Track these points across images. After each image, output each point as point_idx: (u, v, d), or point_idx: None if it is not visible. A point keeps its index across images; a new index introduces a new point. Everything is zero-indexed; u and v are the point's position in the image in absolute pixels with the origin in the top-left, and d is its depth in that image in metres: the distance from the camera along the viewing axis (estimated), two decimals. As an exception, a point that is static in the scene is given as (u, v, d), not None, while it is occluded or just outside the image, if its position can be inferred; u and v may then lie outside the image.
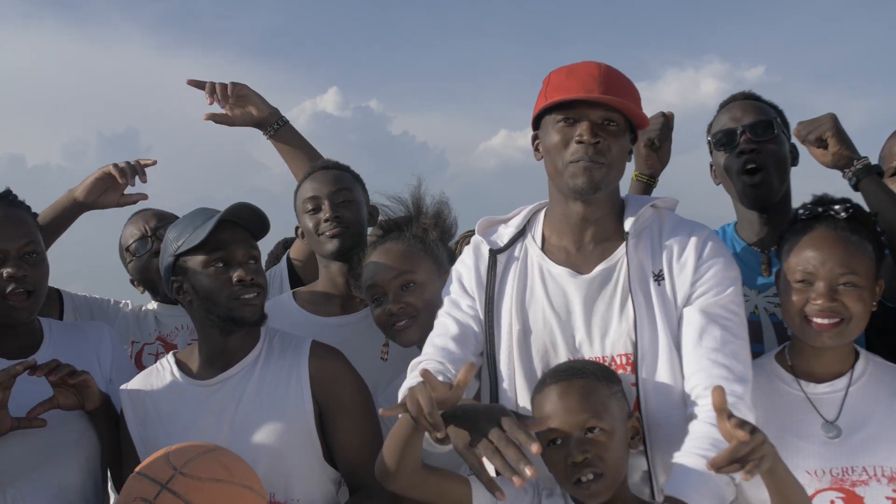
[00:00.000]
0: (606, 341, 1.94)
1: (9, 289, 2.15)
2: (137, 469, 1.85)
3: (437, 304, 2.13)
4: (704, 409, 1.78)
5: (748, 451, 1.53)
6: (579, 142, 1.89)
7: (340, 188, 2.64)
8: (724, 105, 2.56)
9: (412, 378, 1.89)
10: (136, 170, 2.66)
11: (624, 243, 1.97)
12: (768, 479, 1.64)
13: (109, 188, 2.68)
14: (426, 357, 1.97)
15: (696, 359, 1.86)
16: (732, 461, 1.54)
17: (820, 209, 2.00)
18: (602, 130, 1.91)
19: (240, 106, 2.90)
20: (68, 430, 2.18)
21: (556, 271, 2.00)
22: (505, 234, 2.10)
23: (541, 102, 1.98)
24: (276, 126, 2.91)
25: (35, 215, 2.36)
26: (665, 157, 2.71)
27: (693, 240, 1.97)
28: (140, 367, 2.59)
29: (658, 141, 2.65)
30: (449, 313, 2.06)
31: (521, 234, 2.09)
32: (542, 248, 2.04)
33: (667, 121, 2.67)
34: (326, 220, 2.59)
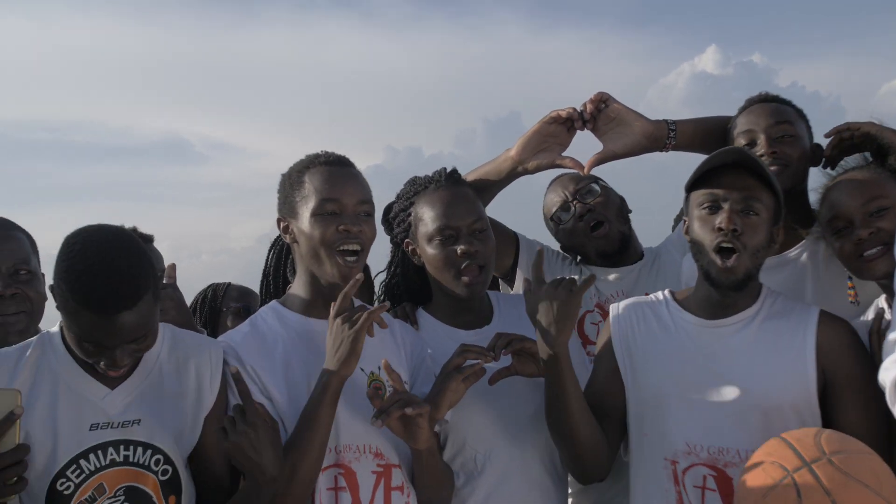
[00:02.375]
0: None
1: (464, 265, 2.24)
2: (784, 435, 1.78)
3: None
4: None
5: None
6: None
7: (780, 121, 2.38)
8: None
9: None
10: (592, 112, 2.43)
11: None
12: None
13: (547, 146, 2.49)
14: None
15: None
16: None
17: None
18: None
19: (617, 131, 2.45)
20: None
21: None
22: None
23: None
24: (670, 139, 2.49)
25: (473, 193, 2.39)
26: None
27: None
28: (582, 336, 2.66)
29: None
30: None
31: None
32: None
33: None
34: (762, 156, 2.32)
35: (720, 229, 1.93)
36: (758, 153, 2.32)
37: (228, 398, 1.97)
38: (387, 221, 2.53)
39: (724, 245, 1.93)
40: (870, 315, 2.12)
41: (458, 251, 2.24)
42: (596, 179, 2.83)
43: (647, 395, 2.07)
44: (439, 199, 2.30)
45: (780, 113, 2.40)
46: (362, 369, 2.05)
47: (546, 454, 2.26)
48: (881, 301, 2.13)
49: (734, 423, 1.94)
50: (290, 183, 2.09)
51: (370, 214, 2.08)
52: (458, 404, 2.11)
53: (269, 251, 2.46)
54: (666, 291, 2.20)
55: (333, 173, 2.04)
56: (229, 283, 3.39)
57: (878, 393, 1.86)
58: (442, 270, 2.28)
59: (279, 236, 2.29)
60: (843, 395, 1.94)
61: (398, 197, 2.47)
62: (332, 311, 1.95)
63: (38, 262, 2.34)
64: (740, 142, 2.39)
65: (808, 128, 2.47)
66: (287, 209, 2.09)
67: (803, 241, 2.41)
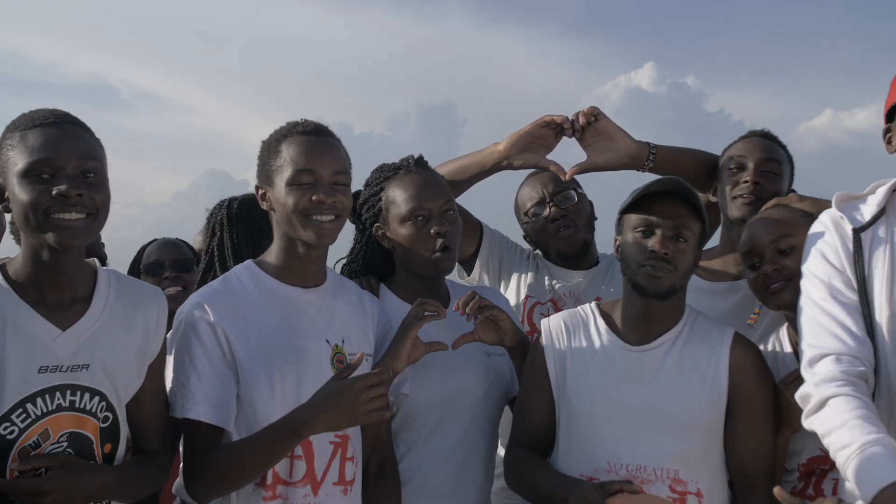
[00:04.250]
0: None
1: (437, 244, 2.29)
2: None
3: None
4: None
5: None
6: None
7: (771, 158, 2.55)
8: None
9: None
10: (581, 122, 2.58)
11: None
12: None
13: (534, 146, 2.64)
14: (839, 368, 1.83)
15: None
16: None
17: None
18: None
19: (602, 145, 2.63)
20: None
21: None
22: (866, 211, 1.98)
23: None
24: (649, 161, 2.65)
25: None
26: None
27: None
28: (531, 324, 2.78)
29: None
30: (835, 297, 1.91)
31: (881, 212, 1.96)
32: None
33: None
34: (745, 183, 2.51)
35: (652, 252, 2.06)
36: (742, 180, 2.49)
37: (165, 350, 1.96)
38: (353, 210, 2.54)
39: (655, 266, 2.07)
40: (771, 344, 2.31)
41: (431, 231, 2.29)
42: (575, 186, 2.93)
43: (575, 412, 2.18)
44: (412, 182, 2.35)
45: (773, 151, 2.57)
46: (327, 341, 2.05)
47: (488, 436, 2.38)
48: (782, 331, 2.31)
49: (653, 443, 2.09)
50: (268, 152, 2.06)
51: (346, 185, 2.07)
52: (419, 380, 2.19)
53: (214, 228, 2.47)
54: (593, 304, 2.31)
55: (310, 143, 2.02)
56: (153, 241, 3.18)
57: (771, 413, 2.12)
58: (415, 249, 2.32)
59: (223, 204, 2.38)
60: (739, 410, 2.11)
61: (366, 185, 2.50)
62: (373, 376, 1.84)
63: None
64: (730, 165, 2.55)
65: (792, 174, 2.63)
66: (264, 177, 2.06)
67: None
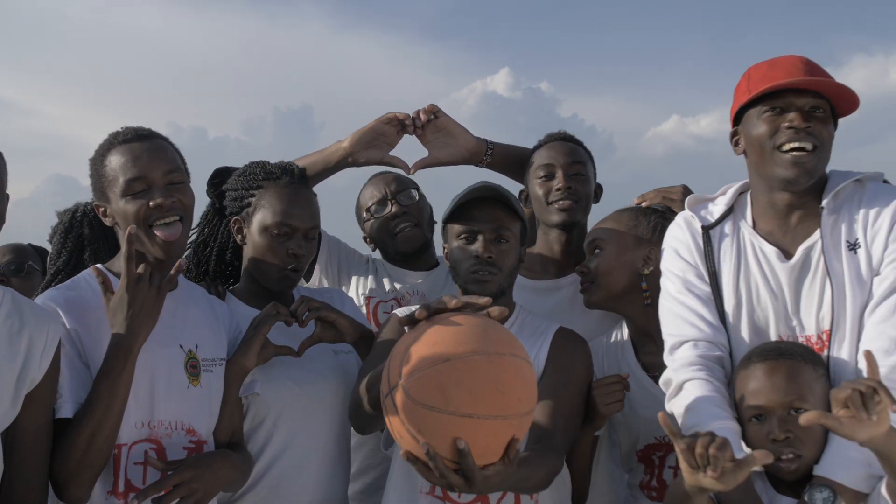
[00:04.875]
0: (811, 320, 1.98)
1: (290, 265, 2.32)
2: (388, 359, 1.74)
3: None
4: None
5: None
6: (790, 128, 1.94)
7: (576, 161, 2.66)
8: None
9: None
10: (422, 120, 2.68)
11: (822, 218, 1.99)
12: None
13: (377, 143, 2.69)
14: (697, 354, 1.99)
15: (867, 329, 1.91)
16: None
17: None
18: (810, 117, 1.95)
19: (442, 141, 2.75)
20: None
21: (768, 250, 2.03)
22: (715, 211, 2.14)
23: (743, 96, 2.02)
24: (487, 156, 2.81)
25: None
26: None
27: (892, 205, 1.96)
28: (376, 322, 2.81)
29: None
30: (689, 290, 2.07)
31: (729, 211, 2.13)
32: (753, 228, 2.08)
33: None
34: (559, 189, 2.62)
35: (477, 256, 2.17)
36: (555, 186, 2.64)
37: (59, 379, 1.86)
38: (215, 185, 2.56)
39: (482, 271, 2.17)
40: (614, 336, 2.51)
41: (289, 250, 2.33)
42: (416, 186, 3.04)
43: None
44: (288, 196, 2.37)
45: (576, 153, 2.71)
46: (181, 346, 2.05)
47: (342, 433, 2.40)
48: (623, 325, 2.52)
49: None
50: (96, 168, 2.04)
51: (183, 182, 2.05)
52: (269, 381, 2.24)
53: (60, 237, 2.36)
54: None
55: (135, 150, 1.99)
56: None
57: (578, 385, 2.19)
58: (266, 259, 2.35)
59: (72, 210, 2.32)
60: (548, 371, 2.16)
61: (241, 173, 2.48)
62: (127, 274, 1.87)
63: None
64: (539, 173, 2.68)
65: (594, 168, 2.80)
66: (99, 194, 2.05)
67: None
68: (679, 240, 2.14)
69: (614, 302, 2.47)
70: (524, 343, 2.08)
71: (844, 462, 1.76)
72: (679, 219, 2.20)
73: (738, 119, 2.08)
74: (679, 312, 2.07)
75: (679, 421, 1.92)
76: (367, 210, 3.02)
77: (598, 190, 2.82)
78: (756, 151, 2.01)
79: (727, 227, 2.10)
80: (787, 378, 1.84)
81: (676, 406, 1.96)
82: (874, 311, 1.90)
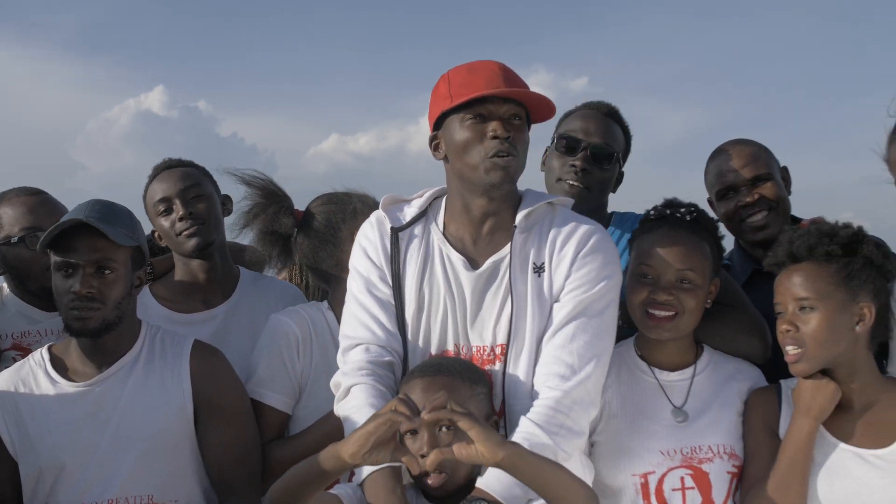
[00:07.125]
0: (487, 332, 1.99)
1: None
2: None
3: None
4: (536, 403, 1.87)
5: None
6: (494, 137, 1.93)
7: (189, 185, 2.59)
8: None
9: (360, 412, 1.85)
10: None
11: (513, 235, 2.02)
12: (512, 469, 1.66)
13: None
14: (366, 358, 1.96)
15: (545, 353, 1.94)
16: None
17: (667, 211, 2.20)
18: (510, 125, 1.96)
19: None
20: None
21: (454, 257, 2.03)
22: (408, 213, 2.11)
23: (444, 102, 1.99)
24: None
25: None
26: None
27: (577, 235, 2.01)
28: None
29: None
30: (370, 291, 2.05)
31: (421, 214, 2.11)
32: (443, 234, 2.07)
33: None
34: (181, 219, 2.55)
35: (74, 293, 2.07)
36: (177, 217, 2.55)
37: None
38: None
39: (80, 307, 2.08)
40: None
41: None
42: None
43: (44, 464, 2.13)
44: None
45: (189, 177, 2.62)
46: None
47: None
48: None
49: (128, 474, 2.12)
50: None
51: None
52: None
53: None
54: (44, 351, 2.26)
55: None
56: None
57: (241, 413, 2.22)
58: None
59: None
60: (206, 416, 2.19)
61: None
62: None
63: None
64: (159, 208, 2.59)
65: (215, 183, 2.70)
66: None
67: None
68: (369, 239, 2.11)
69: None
70: (157, 366, 2.21)
71: (503, 477, 1.75)
72: (372, 217, 2.15)
73: (438, 125, 2.04)
74: (357, 314, 2.04)
75: (345, 425, 1.91)
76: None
77: (227, 201, 2.71)
78: (458, 157, 1.99)
79: (417, 229, 2.08)
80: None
81: (343, 409, 1.94)
82: (553, 337, 1.94)
